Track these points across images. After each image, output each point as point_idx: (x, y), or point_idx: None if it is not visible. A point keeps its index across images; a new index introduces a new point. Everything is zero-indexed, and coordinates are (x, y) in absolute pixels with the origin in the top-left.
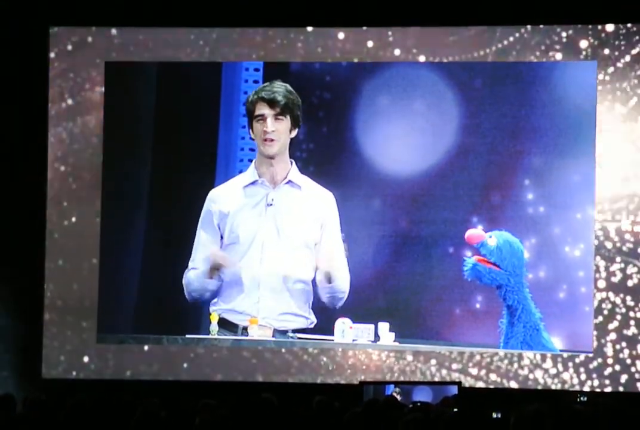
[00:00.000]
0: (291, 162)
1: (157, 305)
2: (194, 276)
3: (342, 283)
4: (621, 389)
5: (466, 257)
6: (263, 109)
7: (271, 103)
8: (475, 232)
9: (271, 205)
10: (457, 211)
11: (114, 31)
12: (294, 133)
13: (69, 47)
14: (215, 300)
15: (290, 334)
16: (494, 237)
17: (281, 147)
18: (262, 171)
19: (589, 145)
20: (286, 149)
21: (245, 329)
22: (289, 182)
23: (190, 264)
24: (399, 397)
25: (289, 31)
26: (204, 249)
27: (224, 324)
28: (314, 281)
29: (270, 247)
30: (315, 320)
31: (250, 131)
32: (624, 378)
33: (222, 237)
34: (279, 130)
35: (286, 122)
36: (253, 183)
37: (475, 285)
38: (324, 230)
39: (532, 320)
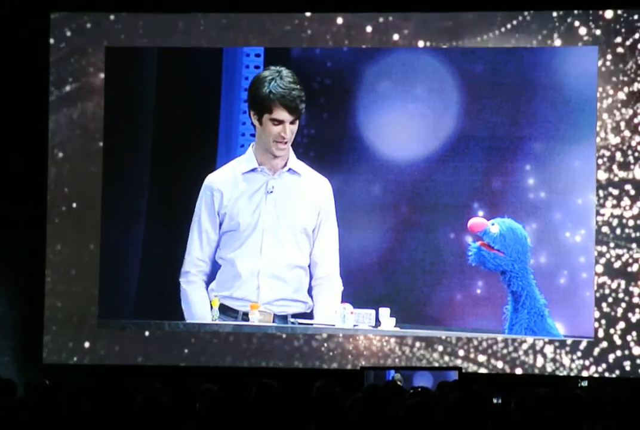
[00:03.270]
0: (289, 148)
1: (158, 291)
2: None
3: (324, 270)
4: (622, 374)
5: (471, 242)
6: (282, 114)
7: (291, 110)
8: (477, 221)
9: (271, 192)
10: (457, 197)
11: (113, 17)
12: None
13: (70, 33)
14: (212, 286)
15: (291, 320)
16: (496, 224)
17: (289, 147)
18: (262, 160)
19: (589, 131)
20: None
21: (245, 314)
22: (289, 170)
23: (188, 258)
24: (400, 383)
25: (287, 16)
26: (205, 236)
27: (224, 309)
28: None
29: (270, 234)
30: (312, 304)
31: (256, 121)
32: (624, 363)
33: (221, 224)
34: (293, 132)
35: (297, 122)
36: (252, 170)
37: (476, 271)
38: (321, 216)
39: (536, 307)
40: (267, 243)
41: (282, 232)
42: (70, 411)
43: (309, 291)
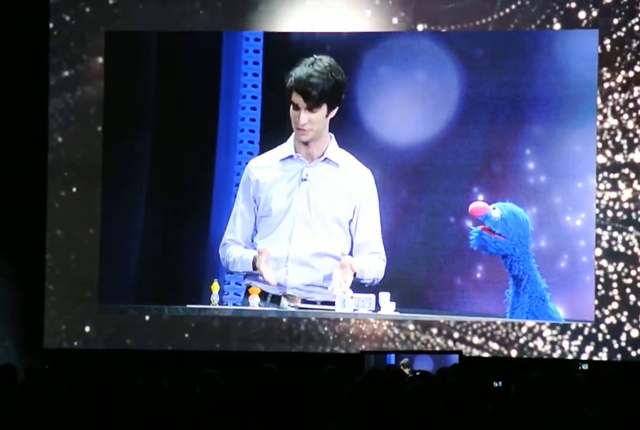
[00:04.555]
0: (330, 137)
1: (158, 275)
2: (236, 253)
3: (371, 267)
4: (622, 357)
5: (472, 226)
6: (297, 100)
7: (305, 97)
8: (479, 205)
9: (305, 180)
10: (458, 181)
11: (112, 1)
12: (333, 113)
13: (69, 17)
14: None
15: (291, 304)
16: (497, 208)
17: (316, 134)
18: (298, 147)
19: (590, 115)
20: (323, 130)
21: (275, 297)
22: (326, 159)
23: (227, 236)
24: (406, 370)
25: (286, 1)
26: (241, 218)
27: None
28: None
29: (300, 221)
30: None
31: (289, 110)
32: (625, 347)
33: (256, 209)
34: (312, 121)
35: (322, 110)
36: (289, 157)
37: (476, 255)
38: (361, 208)
39: (537, 291)
40: (297, 230)
41: (313, 221)
42: (71, 396)
43: None
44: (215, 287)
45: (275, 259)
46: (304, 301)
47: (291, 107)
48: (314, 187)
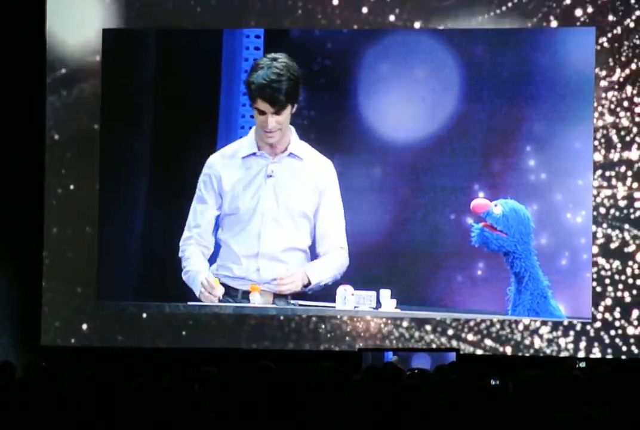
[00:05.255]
0: (291, 130)
1: (157, 273)
2: (193, 265)
3: (327, 247)
4: (620, 355)
5: (473, 223)
6: (263, 106)
7: (272, 102)
8: (480, 202)
9: (271, 176)
10: (457, 178)
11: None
12: (294, 109)
13: (66, 14)
14: (213, 267)
15: (292, 301)
16: (499, 205)
17: (282, 133)
18: (261, 144)
19: (588, 112)
20: (287, 127)
21: (245, 293)
22: (290, 154)
23: (187, 233)
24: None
25: None
26: (202, 215)
27: (225, 289)
28: (311, 249)
29: (269, 218)
30: (313, 287)
31: (252, 108)
32: (622, 344)
33: (220, 207)
34: (279, 122)
35: (287, 111)
36: (252, 154)
37: (476, 253)
38: (323, 198)
39: (539, 288)
40: (266, 227)
41: (281, 216)
42: (69, 394)
43: None
44: (217, 282)
45: (245, 256)
46: (277, 296)
47: (256, 112)
48: (280, 182)
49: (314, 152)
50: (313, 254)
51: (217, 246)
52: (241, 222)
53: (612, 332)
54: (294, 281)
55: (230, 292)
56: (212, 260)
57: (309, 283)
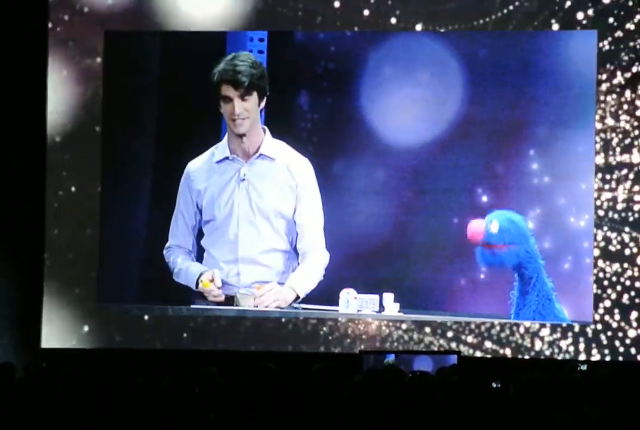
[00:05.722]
0: (264, 131)
1: (159, 275)
2: (182, 263)
3: (306, 246)
4: (621, 358)
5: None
6: (228, 91)
7: (235, 85)
8: (475, 230)
9: (244, 180)
10: (459, 181)
11: (111, 1)
12: (263, 103)
13: (68, 16)
14: None
15: (295, 305)
16: (495, 222)
17: (251, 123)
18: (233, 147)
19: (591, 115)
20: (257, 122)
21: (228, 297)
22: (261, 155)
23: (171, 241)
24: None
25: (286, 0)
26: (184, 222)
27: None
28: (294, 249)
29: (245, 222)
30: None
31: (220, 108)
32: (623, 348)
33: (198, 214)
34: (247, 109)
35: (253, 98)
36: (225, 159)
37: None
38: (299, 196)
39: (544, 290)
40: (243, 231)
41: (256, 219)
42: (69, 394)
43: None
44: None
45: (224, 261)
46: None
47: (221, 102)
48: (253, 185)
49: (290, 150)
50: (296, 253)
51: (202, 253)
52: (219, 228)
53: (614, 335)
54: (278, 299)
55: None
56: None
57: (298, 297)
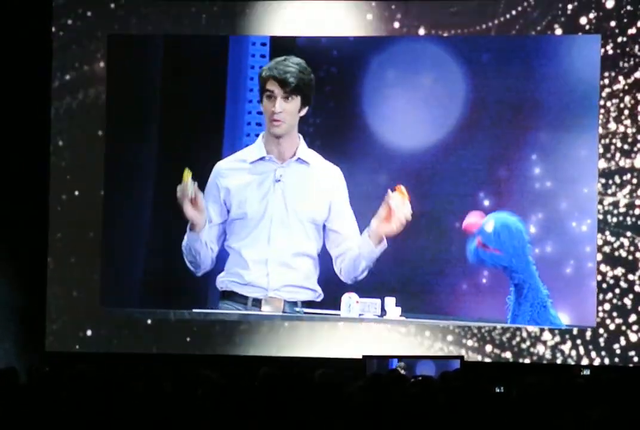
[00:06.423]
0: (299, 137)
1: (163, 279)
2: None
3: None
4: (624, 363)
5: (469, 241)
6: (273, 87)
7: (282, 83)
8: (472, 221)
9: (279, 181)
10: (462, 186)
11: (114, 5)
12: (304, 111)
13: (72, 21)
14: (222, 275)
15: (297, 309)
16: (491, 221)
17: (288, 128)
18: (269, 148)
19: (594, 120)
20: (294, 127)
21: (255, 300)
22: (298, 159)
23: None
24: (403, 372)
25: (288, 4)
26: (208, 221)
27: (233, 296)
28: (319, 256)
29: (278, 223)
30: (322, 294)
31: (261, 105)
32: (626, 352)
33: (228, 212)
34: (286, 111)
35: (295, 101)
36: (261, 159)
37: None
38: (334, 206)
39: (539, 298)
40: (274, 232)
41: (290, 221)
42: (72, 398)
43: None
44: (187, 174)
45: (254, 260)
46: (287, 302)
47: (264, 98)
48: (289, 187)
49: (322, 159)
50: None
51: (226, 254)
52: (249, 226)
53: (617, 340)
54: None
55: (239, 300)
56: (220, 268)
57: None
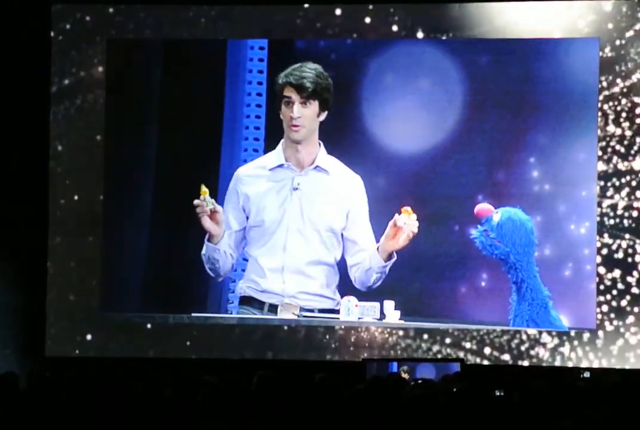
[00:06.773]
0: (319, 144)
1: (162, 284)
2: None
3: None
4: (624, 365)
5: (478, 225)
6: (290, 93)
7: (299, 88)
8: (485, 207)
9: (297, 189)
10: (461, 189)
11: (112, 9)
12: (323, 116)
13: (70, 25)
14: (241, 281)
15: (296, 313)
16: (499, 213)
17: (307, 133)
18: (288, 155)
19: (592, 123)
20: (313, 133)
21: (272, 306)
22: (317, 167)
23: None
24: (406, 376)
25: (286, 8)
26: (227, 227)
27: (250, 301)
28: (339, 264)
29: (295, 231)
30: (340, 301)
31: (280, 113)
32: (626, 355)
33: (247, 218)
34: (305, 116)
35: (314, 106)
36: (279, 166)
37: (480, 263)
38: (352, 214)
39: (539, 298)
40: (290, 240)
41: (306, 230)
42: (71, 403)
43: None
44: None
45: (270, 269)
46: (302, 309)
47: (283, 105)
48: (306, 195)
49: (343, 167)
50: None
51: (245, 260)
52: (266, 234)
53: (616, 342)
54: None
55: (255, 305)
56: (240, 275)
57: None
